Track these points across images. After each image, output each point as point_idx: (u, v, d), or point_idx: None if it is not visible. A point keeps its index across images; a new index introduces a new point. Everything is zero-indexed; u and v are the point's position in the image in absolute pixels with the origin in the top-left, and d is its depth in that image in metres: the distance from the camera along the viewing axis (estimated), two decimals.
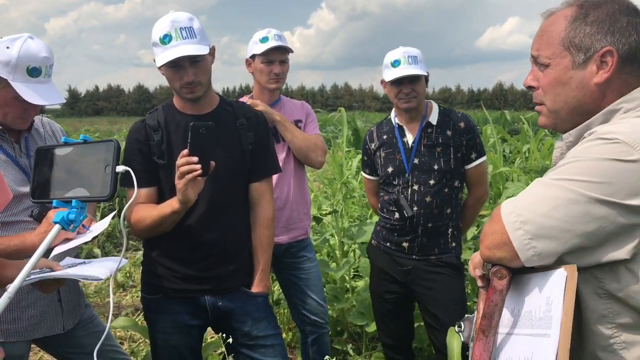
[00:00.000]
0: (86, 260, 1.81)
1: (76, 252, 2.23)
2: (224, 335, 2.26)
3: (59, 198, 1.05)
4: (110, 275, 1.62)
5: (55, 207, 1.03)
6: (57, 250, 1.98)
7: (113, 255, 5.65)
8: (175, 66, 2.11)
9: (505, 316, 1.33)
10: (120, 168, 1.05)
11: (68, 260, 1.86)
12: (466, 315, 1.53)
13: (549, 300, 1.20)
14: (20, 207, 2.09)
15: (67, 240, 2.02)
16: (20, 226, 2.08)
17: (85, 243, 2.14)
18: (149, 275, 2.32)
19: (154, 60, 2.16)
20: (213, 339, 3.33)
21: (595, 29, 1.26)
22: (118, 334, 4.18)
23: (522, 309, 1.29)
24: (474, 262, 1.41)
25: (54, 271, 1.67)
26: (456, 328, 1.52)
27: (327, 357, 2.20)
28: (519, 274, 1.31)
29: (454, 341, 2.47)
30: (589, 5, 1.29)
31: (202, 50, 2.11)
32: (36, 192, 1.11)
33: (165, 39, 2.10)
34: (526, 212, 1.22)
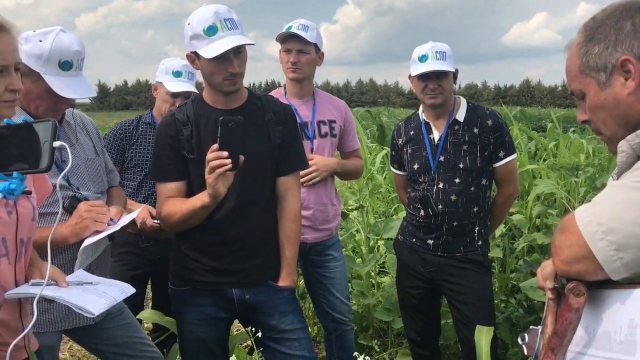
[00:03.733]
0: (94, 280, 1.80)
1: (106, 244, 2.24)
2: (252, 328, 2.27)
3: (0, 171, 1.17)
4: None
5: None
6: (87, 242, 2.00)
7: None
8: (220, 58, 2.09)
9: (578, 333, 1.22)
10: (57, 143, 1.16)
11: (78, 275, 1.85)
12: (530, 327, 1.44)
13: (634, 322, 1.07)
14: (52, 199, 2.09)
15: (97, 232, 2.05)
16: (53, 217, 2.09)
17: (111, 237, 2.15)
18: (177, 268, 2.33)
19: (194, 54, 2.15)
20: (239, 332, 3.33)
21: (603, 45, 1.23)
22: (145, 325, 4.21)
23: (598, 328, 1.17)
24: (544, 273, 1.34)
25: (57, 287, 1.67)
26: (519, 340, 1.44)
27: (355, 353, 2.17)
28: (597, 289, 1.20)
29: (482, 339, 2.43)
30: (592, 26, 1.27)
31: (249, 40, 2.11)
32: None
33: (211, 31, 2.08)
34: (609, 221, 1.11)
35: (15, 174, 1.12)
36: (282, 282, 2.30)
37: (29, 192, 1.67)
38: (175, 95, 3.07)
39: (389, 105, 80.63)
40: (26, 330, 1.42)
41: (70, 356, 3.91)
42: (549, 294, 1.33)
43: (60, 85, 2.02)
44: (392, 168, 3.15)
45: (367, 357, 2.09)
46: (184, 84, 3.09)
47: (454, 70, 2.74)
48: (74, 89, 2.06)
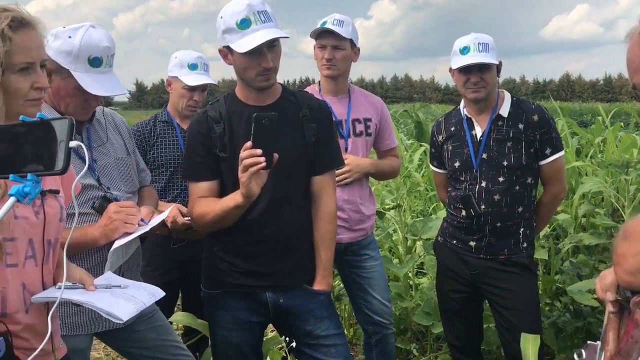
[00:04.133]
0: (123, 283, 1.75)
1: (137, 245, 2.19)
2: (286, 334, 2.20)
3: (14, 173, 1.08)
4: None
5: (13, 181, 1.07)
6: (117, 243, 1.95)
7: None
8: (253, 52, 2.01)
9: None
10: (73, 143, 1.07)
11: (106, 278, 1.79)
12: (588, 342, 1.33)
13: None
14: (82, 199, 2.06)
15: (127, 234, 2.00)
16: (82, 218, 2.06)
17: (143, 238, 2.10)
18: (209, 270, 2.27)
19: (226, 49, 2.09)
20: (273, 334, 3.27)
21: None
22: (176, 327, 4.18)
23: None
24: (604, 284, 1.22)
25: (85, 290, 1.62)
26: (575, 356, 1.31)
27: None
28: None
29: (529, 348, 2.31)
30: None
31: (283, 33, 2.03)
32: None
33: (244, 24, 2.01)
34: None
35: (29, 175, 1.04)
36: (318, 286, 2.22)
37: (57, 192, 1.62)
38: (193, 88, 3.01)
39: (425, 100, 79.95)
40: (45, 340, 1.35)
41: (105, 355, 3.91)
42: (610, 307, 1.21)
43: (90, 82, 1.98)
44: (431, 166, 3.04)
45: None
46: (201, 77, 3.02)
47: (497, 63, 2.62)
48: (104, 86, 2.02)
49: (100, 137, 2.21)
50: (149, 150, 2.98)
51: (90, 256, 2.06)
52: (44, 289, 1.55)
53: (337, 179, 2.71)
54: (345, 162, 2.72)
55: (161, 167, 2.98)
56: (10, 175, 1.05)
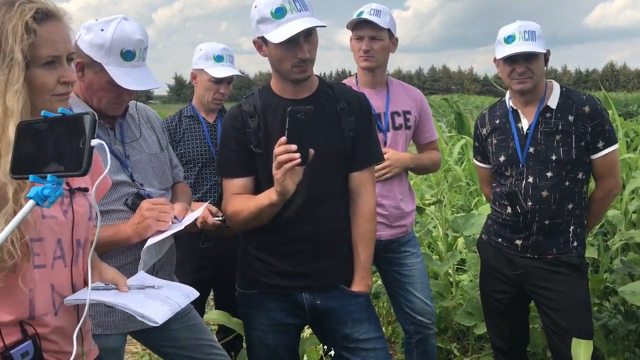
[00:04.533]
0: (156, 283, 1.69)
1: (171, 243, 2.14)
2: (323, 337, 2.13)
3: (34, 174, 1.00)
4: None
5: (32, 182, 1.00)
6: (150, 241, 1.90)
7: None
8: (289, 42, 1.93)
9: None
10: (95, 142, 0.99)
11: (139, 278, 1.74)
12: None
13: None
14: (115, 196, 2.02)
15: (160, 232, 1.94)
16: (115, 215, 2.01)
17: (176, 236, 2.05)
18: (244, 269, 2.21)
19: (260, 39, 2.01)
20: (309, 331, 3.20)
21: None
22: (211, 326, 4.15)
23: None
24: None
25: (118, 291, 1.56)
26: None
27: None
28: None
29: (580, 354, 2.17)
30: None
31: (320, 21, 1.94)
32: (15, 169, 1.05)
33: (279, 13, 1.93)
34: None
35: (49, 177, 0.98)
36: (356, 287, 2.13)
37: (86, 190, 1.57)
38: (219, 81, 2.94)
39: (463, 92, 78.78)
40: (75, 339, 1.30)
41: (142, 350, 3.91)
42: None
43: (123, 76, 1.93)
44: (474, 161, 2.91)
45: None
46: (228, 68, 2.96)
47: (544, 52, 2.47)
48: (137, 80, 1.97)
49: (133, 133, 2.17)
50: (175, 147, 2.92)
51: (123, 254, 2.02)
52: (74, 290, 1.50)
53: (376, 174, 2.63)
54: (385, 156, 2.63)
55: (189, 163, 2.93)
56: (31, 176, 0.99)
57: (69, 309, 1.49)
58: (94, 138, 0.96)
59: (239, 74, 3.00)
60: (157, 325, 1.46)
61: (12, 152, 1.05)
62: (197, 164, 2.94)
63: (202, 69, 2.96)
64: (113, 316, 2.02)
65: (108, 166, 1.02)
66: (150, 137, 2.24)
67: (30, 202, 0.95)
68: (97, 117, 0.97)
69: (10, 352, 1.30)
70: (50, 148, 1.00)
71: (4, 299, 1.35)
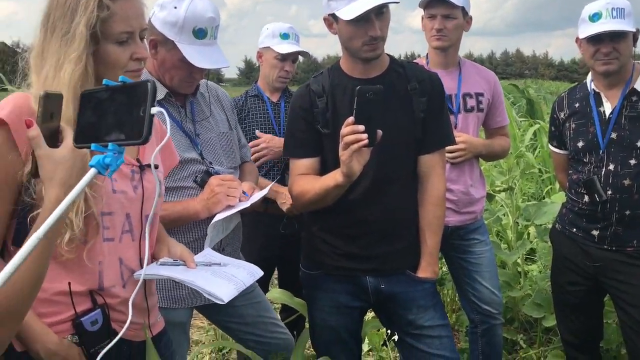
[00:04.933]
0: (222, 261, 1.71)
1: (237, 221, 2.15)
2: (386, 322, 2.09)
3: (96, 142, 0.99)
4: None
5: (92, 151, 0.99)
6: (218, 217, 1.92)
7: None
8: (360, 19, 1.88)
9: None
10: (155, 110, 0.96)
11: (206, 255, 1.76)
12: None
13: None
14: (185, 173, 2.05)
15: (229, 207, 1.96)
16: (184, 192, 2.04)
17: (243, 213, 2.06)
18: (309, 250, 2.19)
19: (331, 17, 1.97)
20: (373, 317, 3.17)
21: None
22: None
23: None
24: None
25: (186, 268, 1.57)
26: None
27: None
28: None
29: None
30: None
31: None
32: (78, 138, 1.06)
33: None
34: None
35: (110, 145, 0.97)
36: (422, 273, 2.08)
37: (156, 166, 1.59)
38: (284, 58, 2.92)
39: (537, 77, 75.95)
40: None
41: (208, 325, 4.00)
42: None
43: (195, 54, 1.95)
44: (550, 146, 2.77)
45: None
46: (293, 45, 2.94)
47: (634, 31, 2.31)
48: (208, 58, 1.98)
49: (204, 111, 2.19)
50: (240, 126, 2.92)
51: (190, 231, 2.05)
52: (141, 264, 1.53)
53: (449, 156, 2.56)
54: (459, 140, 2.55)
55: (252, 138, 2.92)
56: (92, 145, 0.99)
57: (137, 282, 1.52)
58: (154, 106, 0.95)
59: (304, 50, 2.97)
60: (223, 302, 1.47)
61: (75, 122, 1.06)
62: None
63: (268, 47, 2.96)
64: (180, 290, 2.06)
65: (168, 133, 1.01)
66: (220, 116, 2.26)
67: (92, 171, 0.95)
68: (154, 85, 0.96)
69: (81, 319, 1.34)
70: (112, 117, 1.00)
71: (76, 270, 1.39)
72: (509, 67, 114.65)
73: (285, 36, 2.94)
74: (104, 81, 1.03)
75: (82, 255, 1.38)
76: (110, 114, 1.00)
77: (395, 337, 1.96)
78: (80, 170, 1.16)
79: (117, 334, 1.44)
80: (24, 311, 1.08)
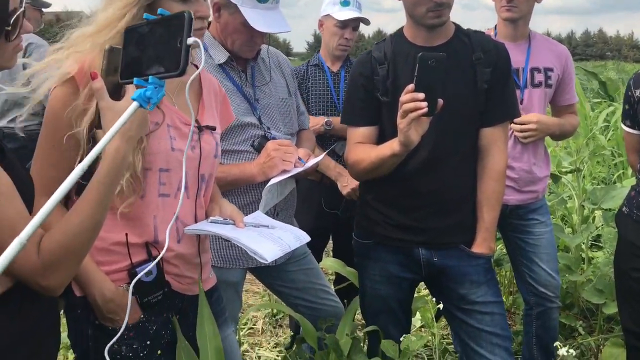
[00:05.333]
0: (271, 224, 1.73)
1: (292, 187, 2.17)
2: (438, 295, 2.09)
3: (137, 77, 1.01)
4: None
5: (136, 85, 1.01)
6: (273, 181, 1.94)
7: None
8: None
9: None
10: (191, 40, 0.97)
11: (255, 217, 1.78)
12: None
13: None
14: (243, 137, 2.07)
15: (284, 172, 1.97)
16: (241, 156, 2.07)
17: (297, 177, 2.08)
18: (362, 219, 2.18)
19: None
20: (426, 292, 3.15)
21: None
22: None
23: None
24: None
25: (235, 227, 1.60)
26: None
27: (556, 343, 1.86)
28: None
29: None
30: None
31: None
32: (123, 73, 1.08)
33: None
34: None
35: (151, 79, 0.99)
36: (477, 249, 2.03)
37: (213, 128, 1.62)
38: (344, 25, 2.89)
39: (620, 59, 72.18)
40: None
41: (263, 290, 4.08)
42: None
43: (256, 18, 1.95)
44: (623, 125, 2.63)
45: (570, 350, 1.76)
46: (354, 12, 2.90)
47: None
48: (269, 22, 1.98)
49: (264, 76, 2.20)
50: (300, 94, 2.93)
51: (246, 193, 2.09)
52: (196, 221, 1.57)
53: (519, 135, 2.48)
54: (531, 119, 2.47)
55: (310, 112, 2.92)
56: (135, 79, 1.01)
57: (191, 238, 1.57)
58: (190, 37, 0.95)
59: (364, 17, 2.93)
60: (266, 262, 1.49)
61: (121, 58, 1.08)
62: (319, 113, 2.94)
63: (329, 14, 2.94)
64: (235, 251, 2.10)
65: (202, 63, 1.01)
66: (280, 82, 2.26)
67: (134, 104, 0.97)
68: (190, 16, 0.97)
69: (136, 269, 1.39)
70: (152, 50, 1.02)
71: (132, 223, 1.44)
72: (590, 48, 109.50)
73: (345, 3, 2.91)
74: (144, 15, 1.06)
75: (138, 209, 1.43)
76: (150, 48, 1.02)
77: (440, 306, 1.93)
78: (141, 122, 1.20)
79: (170, 285, 1.49)
80: (82, 253, 1.13)
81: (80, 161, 1.34)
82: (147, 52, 1.02)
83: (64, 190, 0.79)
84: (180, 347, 1.53)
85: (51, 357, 1.27)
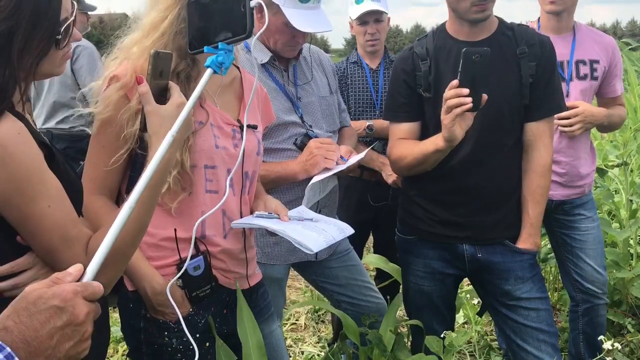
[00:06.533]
0: (314, 217, 1.75)
1: (334, 183, 2.18)
2: (482, 291, 2.08)
3: (208, 45, 1.06)
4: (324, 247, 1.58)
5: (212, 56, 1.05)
6: (316, 179, 1.96)
7: None
8: None
9: None
10: (254, 2, 1.02)
11: (299, 211, 1.80)
12: None
13: None
14: (285, 135, 2.09)
15: (327, 170, 1.98)
16: (284, 154, 2.10)
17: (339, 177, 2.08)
18: (405, 215, 2.18)
19: None
20: (469, 287, 3.11)
21: None
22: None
23: None
24: None
25: (280, 220, 1.62)
26: None
27: (602, 338, 1.82)
28: None
29: None
30: None
31: None
32: (191, 45, 1.13)
33: None
34: None
35: (220, 45, 1.03)
36: (522, 244, 2.00)
37: (255, 127, 1.64)
38: (363, 21, 2.87)
39: None
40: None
41: (305, 287, 4.10)
42: None
43: (298, 18, 1.96)
44: None
45: (615, 344, 1.72)
46: (366, 5, 2.83)
47: None
48: (311, 23, 1.99)
49: (306, 75, 2.21)
50: (340, 92, 2.93)
51: (289, 191, 2.10)
52: (242, 216, 1.60)
53: (565, 129, 2.43)
54: (577, 110, 2.41)
55: (349, 109, 2.91)
56: (205, 48, 1.05)
57: (237, 234, 1.60)
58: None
59: (381, 9, 2.86)
60: (312, 252, 1.51)
61: (187, 30, 1.13)
62: (358, 109, 2.93)
63: (350, 16, 2.95)
64: (279, 248, 2.13)
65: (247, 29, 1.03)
66: (321, 80, 2.28)
67: (209, 71, 1.01)
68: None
69: (185, 264, 1.42)
70: (217, 18, 1.06)
71: (181, 219, 1.47)
72: (636, 37, 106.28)
73: (358, 1, 2.88)
74: None
75: (186, 205, 1.46)
76: (215, 16, 1.07)
77: (478, 301, 1.90)
78: (185, 126, 1.22)
79: (217, 280, 1.52)
80: (129, 253, 1.16)
81: (128, 156, 1.40)
82: (212, 20, 1.07)
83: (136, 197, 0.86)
84: (219, 347, 1.56)
85: (101, 352, 1.30)
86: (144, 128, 1.21)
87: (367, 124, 2.80)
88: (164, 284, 1.42)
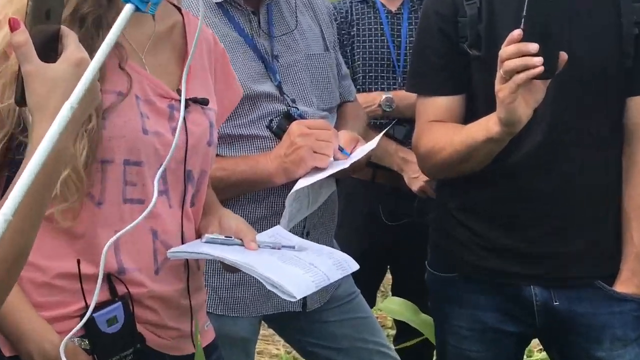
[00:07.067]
0: (298, 244, 1.74)
1: (331, 191, 2.18)
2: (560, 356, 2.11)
3: None
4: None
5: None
6: (301, 184, 1.97)
7: None
8: None
9: None
10: None
11: (274, 235, 1.78)
12: None
13: None
14: (255, 115, 2.10)
15: (318, 169, 1.98)
16: (252, 143, 2.11)
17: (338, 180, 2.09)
18: (440, 240, 2.22)
19: None
20: (541, 355, 3.15)
21: None
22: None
23: None
24: None
25: (243, 248, 1.62)
26: None
27: None
28: None
29: None
30: None
31: None
32: None
33: None
34: None
35: None
36: (623, 287, 2.02)
37: (205, 101, 1.61)
38: None
39: None
40: None
41: (286, 353, 4.10)
42: None
43: None
44: None
45: None
46: None
47: None
48: None
49: (287, 23, 2.23)
50: (342, 45, 2.95)
51: (260, 202, 2.12)
52: (184, 240, 1.58)
53: None
54: None
55: (356, 74, 2.96)
56: None
57: (176, 268, 1.58)
58: None
59: None
60: (295, 300, 1.51)
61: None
62: (369, 73, 2.98)
63: None
64: (242, 291, 2.12)
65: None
66: (311, 31, 2.30)
67: (128, 7, 1.01)
68: None
69: (93, 315, 1.39)
70: None
71: (85, 244, 1.46)
72: None
73: None
74: None
75: (92, 223, 1.44)
76: None
77: None
78: (89, 95, 1.19)
79: (144, 340, 1.50)
80: (4, 286, 1.13)
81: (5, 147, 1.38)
82: None
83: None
84: None
85: None
86: (21, 99, 1.18)
87: (384, 96, 2.83)
88: (59, 345, 1.39)
